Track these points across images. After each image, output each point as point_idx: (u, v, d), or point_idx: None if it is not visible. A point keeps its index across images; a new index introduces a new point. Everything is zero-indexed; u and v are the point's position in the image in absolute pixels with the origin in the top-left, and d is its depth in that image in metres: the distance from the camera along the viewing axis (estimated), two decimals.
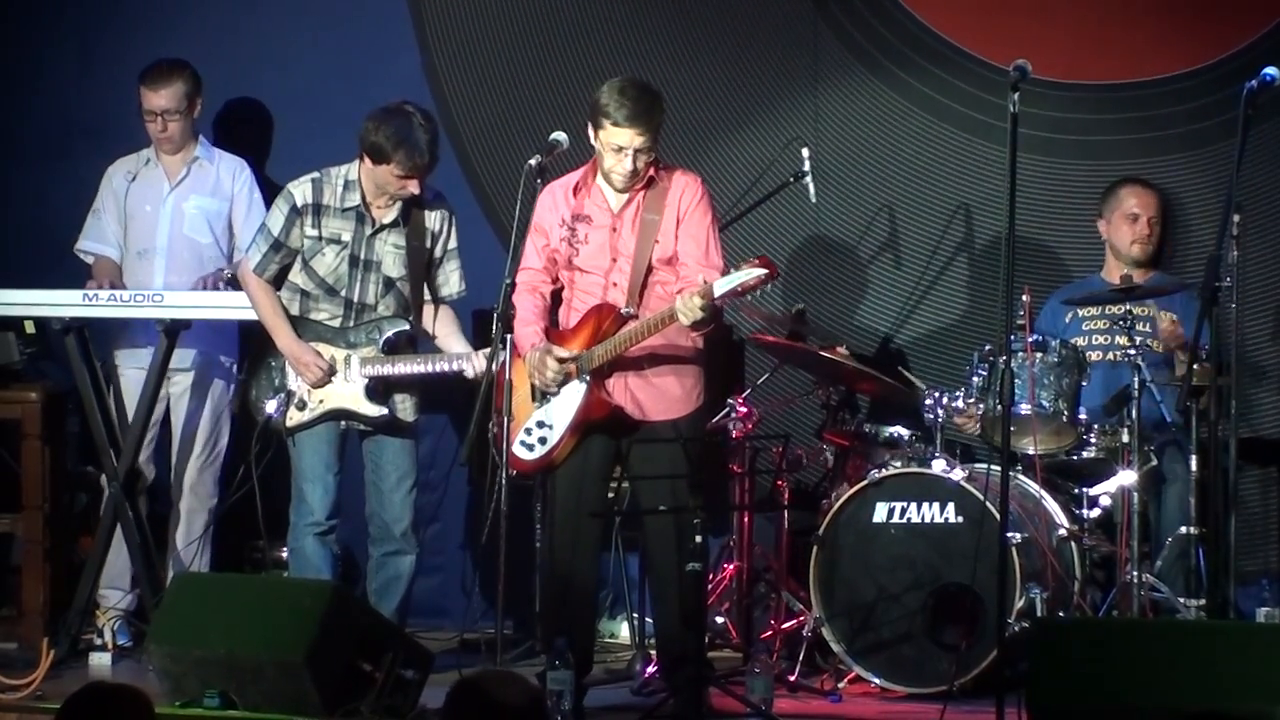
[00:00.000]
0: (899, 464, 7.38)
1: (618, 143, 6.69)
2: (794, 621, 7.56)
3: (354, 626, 6.57)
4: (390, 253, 7.39)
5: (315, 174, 7.44)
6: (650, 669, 7.25)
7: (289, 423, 7.40)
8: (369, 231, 7.38)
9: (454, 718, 4.59)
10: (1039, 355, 7.32)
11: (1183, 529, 7.25)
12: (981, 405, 7.35)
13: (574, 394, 6.79)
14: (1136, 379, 7.17)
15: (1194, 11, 8.03)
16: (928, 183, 8.25)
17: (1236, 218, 6.69)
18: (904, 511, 7.26)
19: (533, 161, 6.84)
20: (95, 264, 8.09)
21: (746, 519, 7.78)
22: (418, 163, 7.21)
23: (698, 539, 6.48)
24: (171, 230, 8.08)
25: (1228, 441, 6.68)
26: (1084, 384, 7.39)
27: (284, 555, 7.75)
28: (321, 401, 7.38)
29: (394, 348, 7.41)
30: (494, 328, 6.84)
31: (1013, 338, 6.81)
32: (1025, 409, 7.25)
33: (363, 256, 7.39)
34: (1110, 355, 7.68)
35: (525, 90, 8.58)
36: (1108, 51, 8.07)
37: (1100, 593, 7.47)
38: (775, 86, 8.38)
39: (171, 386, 8.01)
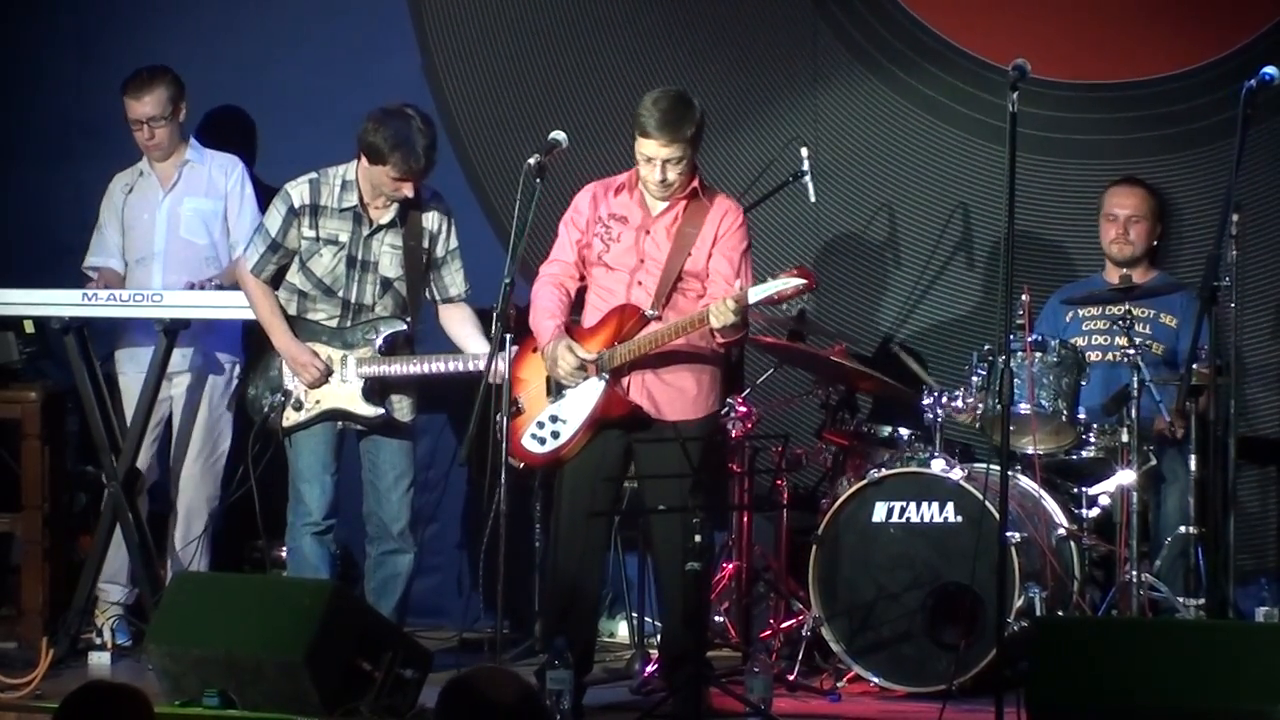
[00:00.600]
0: (897, 464, 7.39)
1: (647, 152, 6.73)
2: (793, 621, 7.56)
3: (353, 626, 6.58)
4: (387, 253, 7.40)
5: (313, 174, 7.44)
6: (650, 668, 7.25)
7: (286, 423, 7.40)
8: (366, 232, 7.38)
9: (447, 716, 4.59)
10: (1038, 355, 7.31)
11: (1182, 528, 7.24)
12: (981, 405, 7.35)
13: (592, 391, 6.79)
14: (1136, 379, 7.17)
15: (1193, 11, 8.03)
16: (927, 182, 8.25)
17: (1235, 217, 6.70)
18: (903, 511, 7.26)
19: (532, 161, 6.85)
20: (99, 275, 8.09)
21: (746, 518, 7.78)
22: (413, 166, 7.21)
23: (697, 539, 6.49)
24: (168, 235, 8.08)
25: (1227, 441, 6.68)
26: (1083, 384, 7.39)
27: (283, 555, 7.76)
28: (318, 402, 7.38)
29: (391, 348, 7.41)
30: (494, 327, 6.85)
31: (1012, 337, 6.81)
32: (1024, 409, 7.25)
33: (360, 257, 7.40)
34: (1110, 355, 7.67)
35: (525, 90, 8.58)
36: (1107, 51, 8.06)
37: (1099, 592, 7.47)
38: (775, 86, 8.38)
39: (173, 388, 8.01)
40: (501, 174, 8.47)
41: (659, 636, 7.19)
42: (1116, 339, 7.51)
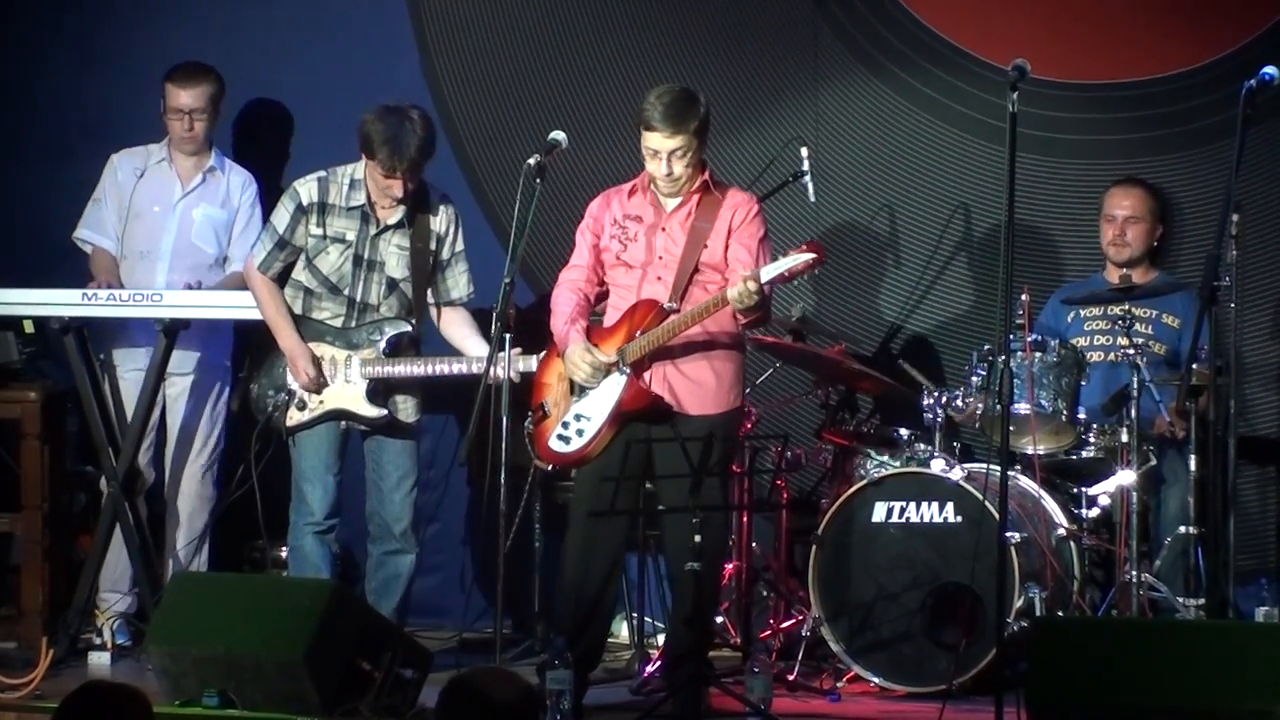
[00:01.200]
0: (897, 464, 7.39)
1: (652, 145, 6.73)
2: (793, 621, 7.56)
3: (353, 626, 6.58)
4: (394, 253, 7.40)
5: (322, 172, 7.45)
6: (650, 668, 7.25)
7: (289, 422, 7.40)
8: (373, 231, 7.39)
9: (447, 716, 4.59)
10: (1038, 355, 7.32)
11: (1182, 528, 7.25)
12: (980, 405, 7.35)
13: (613, 386, 6.78)
14: (1136, 379, 7.17)
15: (1193, 11, 8.03)
16: (927, 182, 8.25)
17: (1235, 217, 6.70)
18: (903, 511, 7.26)
19: (532, 161, 6.85)
20: (93, 255, 8.05)
21: (745, 519, 7.78)
22: (397, 164, 7.20)
23: (696, 539, 6.48)
24: (178, 235, 8.03)
25: (1227, 441, 6.68)
26: (1083, 384, 7.39)
27: (284, 555, 7.76)
28: (322, 402, 7.39)
29: (396, 349, 7.41)
30: (494, 327, 6.84)
31: (1012, 337, 6.81)
32: (1024, 408, 7.25)
33: (366, 256, 7.40)
34: (1112, 355, 7.67)
35: (525, 90, 8.58)
36: (1107, 51, 8.06)
37: (1099, 592, 7.47)
38: (775, 86, 8.38)
39: (168, 389, 7.98)
40: (501, 174, 8.47)
41: (665, 635, 7.17)
42: (1118, 339, 7.50)
